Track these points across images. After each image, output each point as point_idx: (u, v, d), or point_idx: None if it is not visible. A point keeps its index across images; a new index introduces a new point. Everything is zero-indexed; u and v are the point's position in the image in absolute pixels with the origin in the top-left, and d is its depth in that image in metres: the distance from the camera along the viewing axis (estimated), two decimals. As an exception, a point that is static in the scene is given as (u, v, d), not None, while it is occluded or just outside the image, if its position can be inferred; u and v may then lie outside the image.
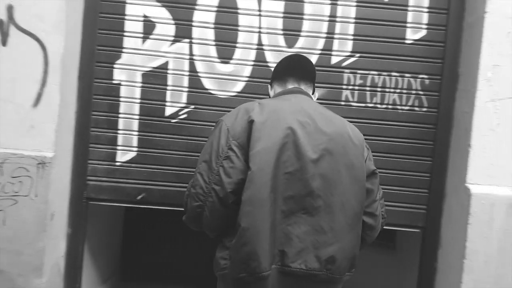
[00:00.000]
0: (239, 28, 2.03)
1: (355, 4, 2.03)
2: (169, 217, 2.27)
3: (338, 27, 2.04)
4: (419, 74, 2.05)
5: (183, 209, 1.42)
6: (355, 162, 1.36)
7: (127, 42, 2.01)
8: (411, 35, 2.04)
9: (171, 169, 2.04)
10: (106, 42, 2.00)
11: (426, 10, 2.04)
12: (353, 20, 2.03)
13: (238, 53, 2.03)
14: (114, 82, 2.02)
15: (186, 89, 2.04)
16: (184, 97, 2.04)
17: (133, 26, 2.01)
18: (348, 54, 2.04)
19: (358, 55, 2.04)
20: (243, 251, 1.23)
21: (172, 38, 2.03)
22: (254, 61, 2.04)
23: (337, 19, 2.03)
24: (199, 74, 2.04)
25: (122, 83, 2.03)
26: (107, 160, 2.03)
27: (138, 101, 2.03)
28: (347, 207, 1.33)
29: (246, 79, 2.04)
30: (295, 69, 1.56)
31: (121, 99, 2.03)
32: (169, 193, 2.03)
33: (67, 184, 1.97)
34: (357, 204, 1.36)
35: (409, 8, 2.04)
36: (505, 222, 1.83)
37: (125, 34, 2.01)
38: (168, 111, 2.04)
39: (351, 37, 2.04)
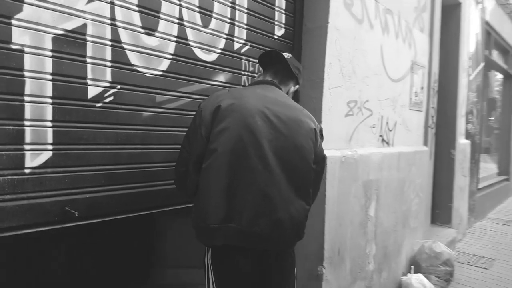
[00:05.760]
0: (162, -3, 1.86)
1: (246, -6, 2.32)
2: None
3: (237, 15, 2.26)
4: (280, 64, 2.62)
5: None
6: (304, 143, 1.69)
7: (30, -12, 1.41)
8: (277, 32, 2.57)
9: (99, 169, 1.65)
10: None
11: (283, 12, 2.62)
12: (246, 10, 2.32)
13: (162, 25, 1.87)
14: (13, 47, 1.37)
15: (110, 64, 1.67)
16: (108, 74, 1.67)
17: (36, -36, 1.42)
18: (244, 42, 2.32)
19: (250, 44, 2.35)
20: (198, 207, 1.60)
21: (89, -7, 1.59)
22: (176, 37, 1.93)
23: (236, 7, 2.25)
24: (124, 46, 1.72)
25: (26, 49, 1.41)
26: (11, 167, 1.37)
27: (50, 77, 1.48)
28: (294, 180, 1.66)
29: (171, 56, 1.91)
30: (274, 64, 1.88)
31: (26, 73, 1.41)
32: (98, 201, 1.64)
33: None
34: (303, 178, 1.69)
35: (276, 8, 2.55)
36: (339, 174, 2.78)
37: (26, -26, 1.39)
38: (91, 92, 1.61)
39: (245, 26, 2.32)
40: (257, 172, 1.58)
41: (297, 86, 1.96)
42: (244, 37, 2.32)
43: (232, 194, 1.57)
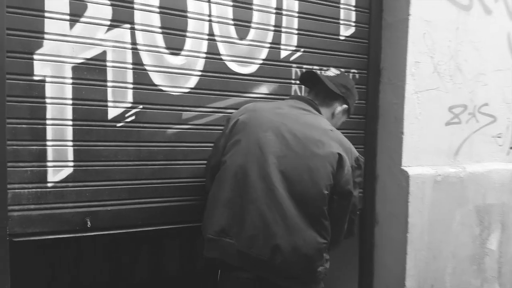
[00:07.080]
0: (188, 15, 1.95)
1: (297, -3, 2.21)
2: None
3: (284, 21, 2.19)
4: (350, 68, 2.40)
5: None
6: (319, 166, 1.55)
7: (50, 26, 1.68)
8: (344, 32, 2.37)
9: (121, 183, 1.83)
10: (20, 25, 1.62)
11: (353, 8, 2.39)
12: (297, 14, 2.22)
13: (188, 44, 1.95)
14: (35, 78, 1.66)
15: (131, 86, 1.85)
16: (129, 95, 1.85)
17: (56, 5, 1.68)
18: (294, 48, 2.22)
19: (302, 49, 2.24)
20: (203, 216, 1.68)
21: (108, 23, 1.79)
22: (206, 53, 1.99)
23: (283, 12, 2.18)
24: (146, 67, 1.87)
25: (47, 79, 1.69)
26: (35, 181, 1.67)
27: (71, 102, 1.73)
28: (303, 205, 1.53)
29: (199, 73, 1.98)
30: (315, 84, 1.84)
31: (48, 100, 1.69)
32: (121, 213, 1.83)
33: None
34: (313, 205, 1.54)
35: (341, 6, 2.35)
36: (432, 196, 2.36)
37: (46, 15, 1.67)
38: (111, 113, 1.81)
39: (296, 31, 2.22)
40: (259, 191, 1.53)
41: (344, 106, 1.83)
42: (295, 43, 2.21)
43: (232, 209, 1.57)
